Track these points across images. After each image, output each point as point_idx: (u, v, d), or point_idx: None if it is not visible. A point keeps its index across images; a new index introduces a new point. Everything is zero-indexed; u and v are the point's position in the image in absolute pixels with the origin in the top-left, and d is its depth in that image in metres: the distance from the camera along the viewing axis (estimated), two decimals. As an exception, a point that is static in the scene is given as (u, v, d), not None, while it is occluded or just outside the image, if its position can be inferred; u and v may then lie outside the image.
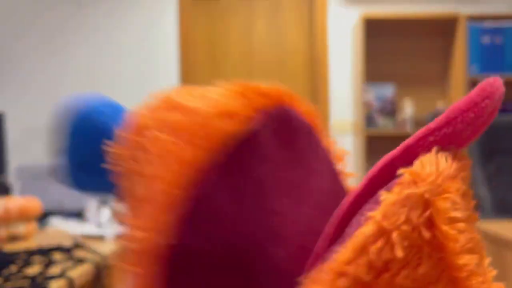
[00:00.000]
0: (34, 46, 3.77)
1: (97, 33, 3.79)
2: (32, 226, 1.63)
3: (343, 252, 0.40)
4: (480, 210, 2.81)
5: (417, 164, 0.42)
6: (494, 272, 0.43)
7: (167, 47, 3.81)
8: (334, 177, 0.65)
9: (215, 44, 4.20)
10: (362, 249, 0.39)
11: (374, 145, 3.83)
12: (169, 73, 3.80)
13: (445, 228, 0.39)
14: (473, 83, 3.71)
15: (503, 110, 3.78)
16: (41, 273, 1.09)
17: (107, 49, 3.79)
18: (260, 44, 4.04)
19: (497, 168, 2.89)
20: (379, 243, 0.38)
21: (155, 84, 3.81)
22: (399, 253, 0.38)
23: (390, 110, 3.71)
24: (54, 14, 3.78)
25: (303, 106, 0.62)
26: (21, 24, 3.77)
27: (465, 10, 3.76)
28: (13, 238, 1.62)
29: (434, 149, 0.43)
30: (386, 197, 0.40)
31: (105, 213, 1.76)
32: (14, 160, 3.43)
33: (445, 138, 0.44)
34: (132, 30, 3.80)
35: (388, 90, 3.78)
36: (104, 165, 0.56)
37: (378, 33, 3.84)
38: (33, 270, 1.14)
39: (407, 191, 0.39)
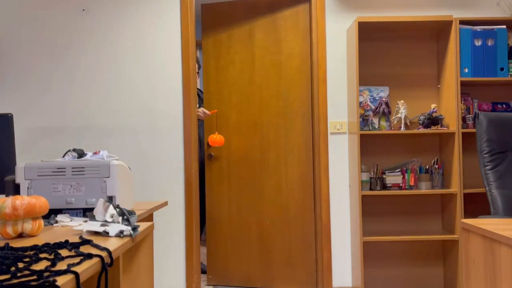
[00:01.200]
0: (40, 50, 3.81)
1: (101, 37, 3.83)
2: (39, 223, 1.67)
3: None
4: (492, 209, 2.75)
5: None
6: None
7: (171, 50, 3.84)
8: None
9: (218, 49, 4.30)
10: None
11: (368, 145, 3.87)
12: (172, 78, 3.83)
13: None
14: (464, 86, 3.73)
15: (509, 110, 3.80)
16: (48, 269, 1.12)
17: (111, 53, 3.83)
18: (261, 50, 4.09)
19: (508, 167, 2.83)
20: None
21: (158, 87, 3.84)
22: None
23: (385, 111, 3.75)
24: (59, 20, 3.82)
25: None
26: (27, 31, 3.82)
27: (457, 14, 3.79)
28: (21, 235, 1.66)
29: None
30: None
31: (111, 210, 1.80)
32: (22, 159, 3.49)
33: None
34: (136, 34, 3.84)
35: (382, 93, 3.82)
36: None
37: (373, 37, 3.88)
38: (40, 266, 1.17)
39: None
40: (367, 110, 3.74)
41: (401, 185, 3.69)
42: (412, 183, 3.70)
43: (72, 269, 1.12)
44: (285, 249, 4.05)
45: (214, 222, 4.21)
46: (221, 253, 4.19)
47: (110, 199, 2.15)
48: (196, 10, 4.10)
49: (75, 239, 1.52)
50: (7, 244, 1.42)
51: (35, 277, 1.05)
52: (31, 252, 1.32)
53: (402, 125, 3.69)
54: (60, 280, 1.04)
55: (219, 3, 4.28)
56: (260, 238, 4.09)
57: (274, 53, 4.12)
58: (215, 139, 4.01)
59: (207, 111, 4.08)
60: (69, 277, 1.07)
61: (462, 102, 3.74)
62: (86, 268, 1.16)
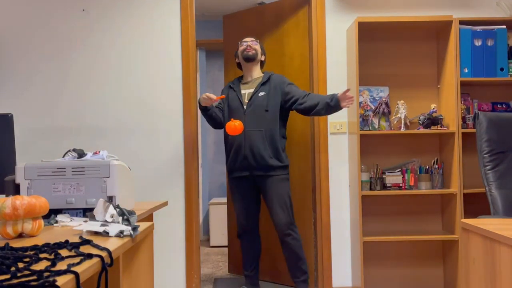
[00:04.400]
0: (40, 51, 3.81)
1: (101, 37, 3.83)
2: (39, 223, 1.67)
3: None
4: (492, 209, 2.74)
5: None
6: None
7: (171, 50, 3.84)
8: None
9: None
10: None
11: (368, 145, 3.87)
12: (173, 78, 3.83)
13: None
14: (464, 86, 3.73)
15: (509, 110, 3.80)
16: (48, 269, 1.12)
17: (111, 53, 3.83)
18: (268, 54, 4.11)
19: (508, 167, 2.82)
20: None
21: (159, 87, 3.84)
22: None
23: (384, 111, 3.74)
24: (59, 20, 3.82)
25: None
26: (27, 31, 3.82)
27: (457, 14, 3.79)
28: (21, 235, 1.66)
29: None
30: None
31: (111, 210, 1.80)
32: (22, 159, 3.48)
33: None
34: (136, 34, 3.84)
35: (382, 93, 3.82)
36: None
37: (373, 37, 3.88)
38: (40, 266, 1.17)
39: None
40: (367, 110, 3.74)
41: (401, 185, 3.69)
42: (412, 183, 3.70)
43: (72, 269, 1.12)
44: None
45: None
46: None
47: (110, 199, 2.15)
48: (196, 10, 4.11)
49: (75, 239, 1.52)
50: (7, 244, 1.43)
51: (35, 277, 1.06)
52: (31, 252, 1.32)
53: (402, 125, 3.69)
54: (60, 280, 1.04)
55: (237, 12, 4.47)
56: (268, 234, 4.09)
57: (278, 56, 4.13)
58: (235, 126, 3.41)
59: (212, 96, 3.49)
60: (69, 277, 1.07)
61: (462, 102, 3.74)
62: (86, 268, 1.17)
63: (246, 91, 3.65)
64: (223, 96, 3.64)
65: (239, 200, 3.67)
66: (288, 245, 3.54)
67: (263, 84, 3.61)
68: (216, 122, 3.71)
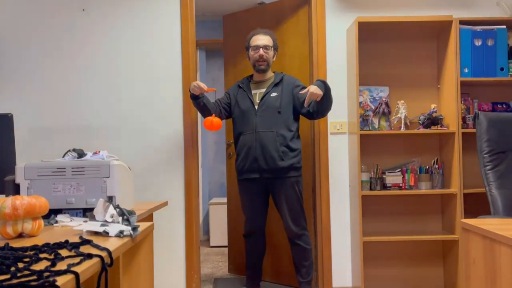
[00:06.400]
0: (40, 51, 3.81)
1: (101, 37, 3.83)
2: (39, 223, 1.67)
3: None
4: (492, 209, 2.74)
5: None
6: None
7: (171, 50, 3.84)
8: None
9: (235, 55, 4.32)
10: None
11: (368, 145, 3.86)
12: (173, 78, 3.83)
13: None
14: (464, 86, 3.73)
15: (509, 110, 3.79)
16: (48, 269, 1.12)
17: (111, 53, 3.83)
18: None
19: (508, 167, 2.81)
20: None
21: (158, 87, 3.84)
22: None
23: (385, 111, 3.74)
24: (59, 20, 3.82)
25: None
26: (27, 31, 3.82)
27: (457, 14, 3.78)
28: (21, 235, 1.66)
29: None
30: None
31: (111, 210, 1.80)
32: (22, 159, 3.48)
33: None
34: (136, 34, 3.84)
35: (382, 93, 3.82)
36: None
37: (373, 37, 3.88)
38: (40, 266, 1.17)
39: None
40: (367, 110, 3.74)
41: (401, 185, 3.69)
42: (412, 183, 3.70)
43: (72, 269, 1.12)
44: (288, 246, 4.04)
45: (236, 218, 4.28)
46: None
47: (110, 199, 2.15)
48: (196, 10, 4.11)
49: (75, 239, 1.52)
50: (7, 244, 1.43)
51: (35, 277, 1.06)
52: (31, 252, 1.32)
53: (402, 125, 3.69)
54: (60, 280, 1.04)
55: (237, 12, 4.47)
56: (270, 234, 4.03)
57: (279, 56, 4.09)
58: (212, 122, 3.36)
59: (203, 86, 3.38)
60: (69, 277, 1.08)
61: (462, 102, 3.74)
62: (86, 268, 1.17)
63: (257, 91, 3.55)
64: (214, 89, 3.55)
65: (247, 201, 3.59)
66: (298, 248, 3.51)
67: (275, 85, 3.51)
68: (209, 114, 3.52)
